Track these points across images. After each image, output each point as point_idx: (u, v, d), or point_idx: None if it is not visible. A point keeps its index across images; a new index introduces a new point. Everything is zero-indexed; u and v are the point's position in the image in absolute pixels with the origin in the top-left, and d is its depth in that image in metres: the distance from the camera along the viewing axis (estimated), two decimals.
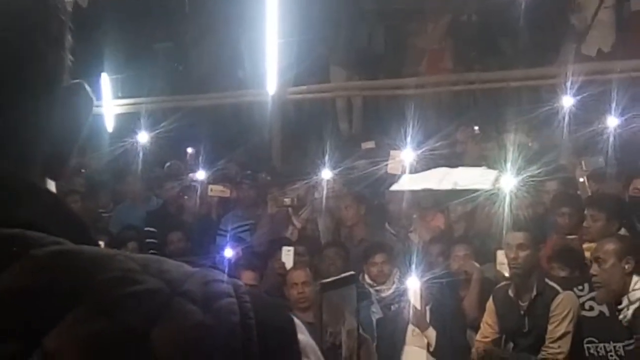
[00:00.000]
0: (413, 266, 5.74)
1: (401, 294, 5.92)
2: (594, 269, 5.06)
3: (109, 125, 11.34)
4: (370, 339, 5.57)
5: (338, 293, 1.87)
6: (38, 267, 0.73)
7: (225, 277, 0.80)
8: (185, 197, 8.69)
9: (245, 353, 0.74)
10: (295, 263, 6.53)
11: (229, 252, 6.80)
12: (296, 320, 0.82)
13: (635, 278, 4.90)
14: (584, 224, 6.23)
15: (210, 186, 8.41)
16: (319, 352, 0.84)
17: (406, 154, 7.65)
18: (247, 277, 6.21)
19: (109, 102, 11.34)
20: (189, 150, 10.65)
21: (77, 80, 0.86)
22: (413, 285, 5.66)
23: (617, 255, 4.94)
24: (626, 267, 4.91)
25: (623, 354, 5.28)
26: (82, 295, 0.72)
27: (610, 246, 5.01)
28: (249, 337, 0.75)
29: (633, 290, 4.84)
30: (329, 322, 1.85)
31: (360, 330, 1.91)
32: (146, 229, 8.33)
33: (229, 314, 0.76)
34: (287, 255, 6.68)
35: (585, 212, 6.21)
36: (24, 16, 0.81)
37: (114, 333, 0.70)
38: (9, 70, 0.79)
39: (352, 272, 1.96)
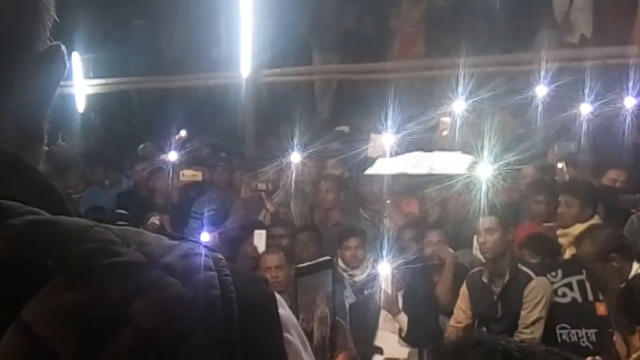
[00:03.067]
0: (386, 251, 5.72)
1: (374, 278, 5.90)
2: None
3: (80, 105, 11.24)
4: (346, 325, 5.55)
5: (313, 278, 1.82)
6: (15, 237, 0.71)
7: (205, 251, 0.78)
8: (157, 179, 8.62)
9: (226, 327, 0.72)
10: (268, 247, 6.50)
11: (205, 236, 6.75)
12: (277, 295, 0.80)
13: (635, 265, 4.92)
14: (558, 210, 6.24)
15: (182, 171, 8.35)
16: (299, 327, 0.82)
17: (386, 138, 7.61)
18: None
19: (80, 82, 11.23)
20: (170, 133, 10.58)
21: (55, 43, 0.83)
22: (385, 270, 5.64)
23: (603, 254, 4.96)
24: (614, 263, 4.92)
25: (595, 339, 5.30)
26: (60, 265, 0.70)
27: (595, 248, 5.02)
28: (230, 310, 0.73)
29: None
30: (303, 308, 1.81)
31: (336, 317, 1.86)
32: (117, 211, 8.26)
33: (209, 287, 0.74)
34: (260, 239, 6.64)
35: (560, 198, 6.22)
36: None
37: (92, 304, 0.69)
38: None
39: (328, 257, 1.91)
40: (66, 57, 0.84)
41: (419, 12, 10.80)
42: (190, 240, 0.80)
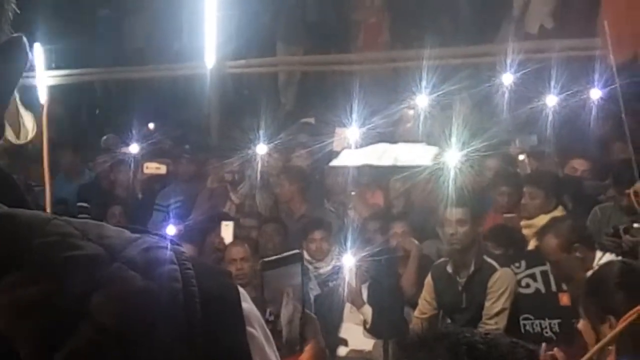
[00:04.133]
0: (351, 243, 5.72)
1: (339, 271, 5.90)
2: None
3: (42, 97, 11.10)
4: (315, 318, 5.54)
5: (280, 272, 1.81)
6: None
7: (167, 244, 0.77)
8: (119, 171, 8.53)
9: (188, 320, 0.72)
10: (233, 238, 6.48)
11: (170, 229, 6.71)
12: (240, 289, 0.80)
13: (598, 254, 4.97)
14: (522, 201, 6.29)
15: (145, 164, 8.27)
16: (262, 321, 0.82)
17: (351, 131, 7.61)
18: (186, 250, 6.13)
19: (42, 73, 11.09)
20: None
21: (17, 35, 0.81)
22: (349, 262, 5.65)
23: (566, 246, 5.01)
24: (577, 254, 4.97)
25: (558, 330, 5.35)
26: (18, 259, 0.69)
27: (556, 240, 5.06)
28: (192, 304, 0.73)
29: (597, 265, 4.88)
30: (270, 302, 1.79)
31: (305, 310, 1.85)
32: (78, 204, 8.18)
33: (170, 280, 0.73)
34: (226, 230, 6.61)
35: (524, 189, 6.27)
36: None
37: (52, 298, 0.68)
38: None
39: (297, 251, 1.90)
40: (28, 48, 0.82)
41: (383, 3, 10.80)
42: (152, 234, 0.79)
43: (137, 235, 0.78)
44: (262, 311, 1.81)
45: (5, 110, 0.82)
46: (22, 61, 0.82)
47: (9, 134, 2.64)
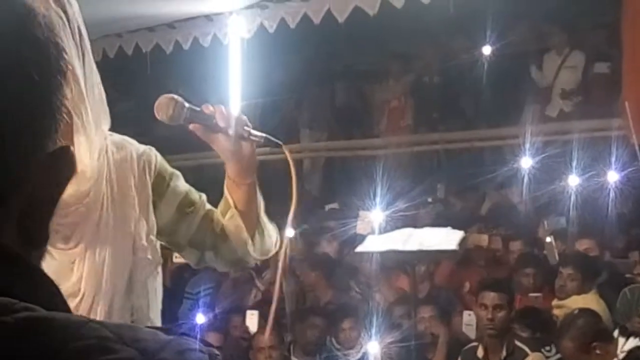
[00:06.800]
0: (378, 329, 5.70)
1: (368, 358, 5.86)
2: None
3: None
4: None
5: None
6: (9, 335, 0.70)
7: (200, 346, 0.78)
8: None
9: None
10: (260, 327, 6.45)
11: (200, 318, 6.71)
12: None
13: (621, 340, 4.94)
14: (558, 282, 6.27)
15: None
16: None
17: (375, 215, 7.63)
18: (211, 339, 6.13)
19: None
20: None
21: (65, 145, 0.83)
22: (377, 349, 5.61)
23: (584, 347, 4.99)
24: (597, 351, 4.95)
25: None
26: None
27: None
28: None
29: (622, 352, 4.85)
30: None
31: None
32: None
33: None
34: (251, 319, 6.60)
35: (561, 270, 6.27)
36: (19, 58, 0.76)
37: None
38: None
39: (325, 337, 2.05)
40: (75, 158, 0.84)
41: (404, 87, 10.93)
42: (186, 335, 0.80)
43: (171, 337, 0.78)
44: None
45: (51, 218, 0.83)
46: (68, 171, 0.83)
47: None
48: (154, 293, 2.18)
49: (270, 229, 2.35)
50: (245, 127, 2.21)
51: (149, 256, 2.13)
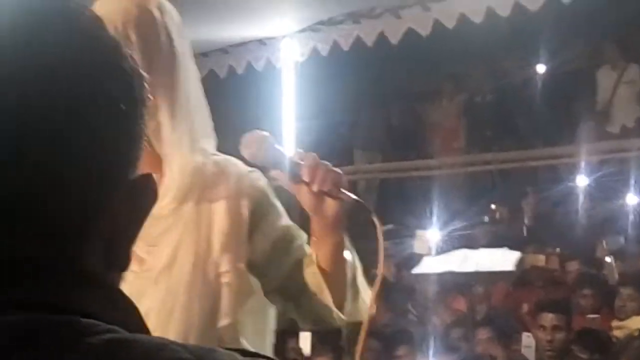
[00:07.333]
0: (435, 351, 5.67)
1: None
2: None
3: None
4: None
5: None
6: (94, 356, 0.71)
7: None
8: None
9: None
10: (314, 349, 6.45)
11: None
12: None
13: None
14: (617, 302, 6.21)
15: None
16: None
17: (432, 234, 7.62)
18: None
19: None
20: None
21: (147, 173, 0.84)
22: None
23: None
24: None
25: None
26: None
27: None
28: None
29: None
30: None
31: None
32: None
33: None
34: (305, 341, 6.60)
35: (621, 290, 6.20)
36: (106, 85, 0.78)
37: None
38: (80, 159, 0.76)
39: None
40: (156, 185, 0.84)
41: (458, 107, 10.90)
42: (263, 357, 0.81)
43: (249, 358, 0.78)
44: None
45: (133, 244, 0.84)
46: (151, 198, 0.84)
47: None
48: (250, 324, 2.02)
49: (366, 294, 2.05)
50: (334, 185, 1.93)
51: (236, 284, 1.96)
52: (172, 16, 2.00)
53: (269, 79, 8.11)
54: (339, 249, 1.99)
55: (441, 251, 7.49)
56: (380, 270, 1.97)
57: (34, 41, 0.75)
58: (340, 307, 1.99)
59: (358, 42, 6.84)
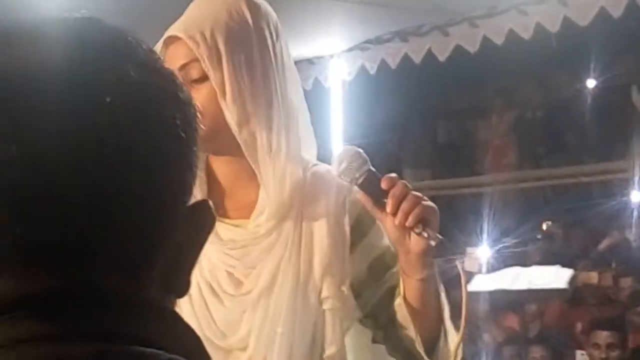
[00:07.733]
0: None
1: None
2: None
3: None
4: None
5: None
6: None
7: None
8: None
9: None
10: None
11: None
12: None
13: None
14: None
15: None
16: None
17: (483, 251, 7.57)
18: None
19: None
20: None
21: (203, 199, 0.85)
22: None
23: None
24: None
25: None
26: None
27: None
28: None
29: None
30: None
31: None
32: None
33: None
34: None
35: None
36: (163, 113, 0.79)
37: None
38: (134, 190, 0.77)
39: None
40: (212, 210, 0.85)
41: (507, 124, 10.85)
42: None
43: None
44: None
45: (191, 272, 0.84)
46: (208, 224, 0.84)
47: None
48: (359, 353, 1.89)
49: (451, 337, 1.89)
50: (419, 222, 1.77)
51: (340, 309, 1.81)
52: (269, 19, 1.84)
53: (318, 97, 8.14)
54: (426, 287, 1.83)
55: (492, 269, 7.43)
56: (465, 319, 1.85)
57: (98, 78, 0.76)
58: (428, 347, 1.84)
59: (406, 60, 6.83)
